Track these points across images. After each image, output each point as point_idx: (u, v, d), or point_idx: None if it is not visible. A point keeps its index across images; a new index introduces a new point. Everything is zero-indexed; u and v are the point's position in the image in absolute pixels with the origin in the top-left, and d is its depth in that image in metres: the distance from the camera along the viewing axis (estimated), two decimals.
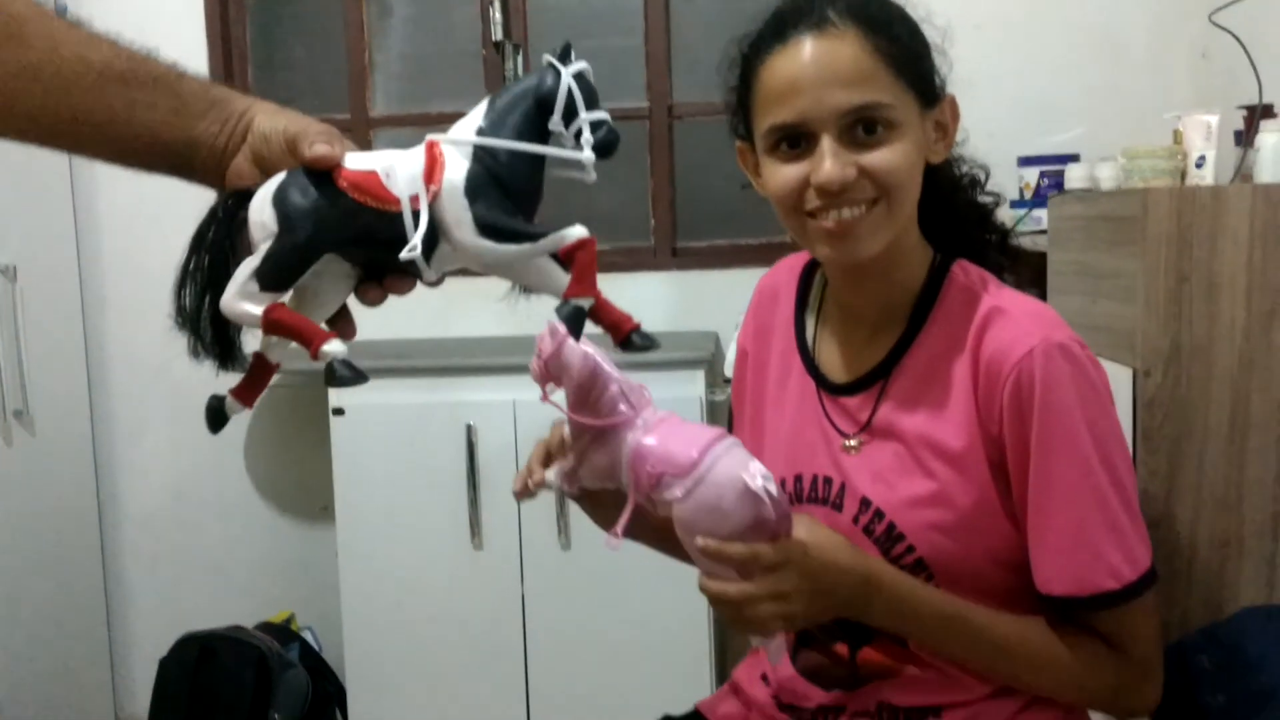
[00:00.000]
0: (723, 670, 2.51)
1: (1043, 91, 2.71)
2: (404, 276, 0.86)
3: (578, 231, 0.82)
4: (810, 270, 1.31)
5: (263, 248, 0.81)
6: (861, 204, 1.09)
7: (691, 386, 2.49)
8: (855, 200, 1.08)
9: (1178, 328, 1.45)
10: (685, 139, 2.98)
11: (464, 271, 0.87)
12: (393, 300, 0.88)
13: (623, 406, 1.06)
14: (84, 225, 2.95)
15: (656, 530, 1.24)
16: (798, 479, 1.22)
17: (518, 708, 2.57)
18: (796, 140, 1.09)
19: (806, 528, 1.09)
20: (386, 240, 0.81)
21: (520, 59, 2.86)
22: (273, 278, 0.81)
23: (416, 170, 0.82)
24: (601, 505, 1.21)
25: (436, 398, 2.54)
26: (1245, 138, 1.89)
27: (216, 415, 0.88)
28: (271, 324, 0.81)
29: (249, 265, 0.81)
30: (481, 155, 0.83)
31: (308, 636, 2.89)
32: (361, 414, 2.54)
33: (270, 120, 0.84)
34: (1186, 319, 1.45)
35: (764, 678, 1.30)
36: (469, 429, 2.51)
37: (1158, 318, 1.45)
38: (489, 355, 2.58)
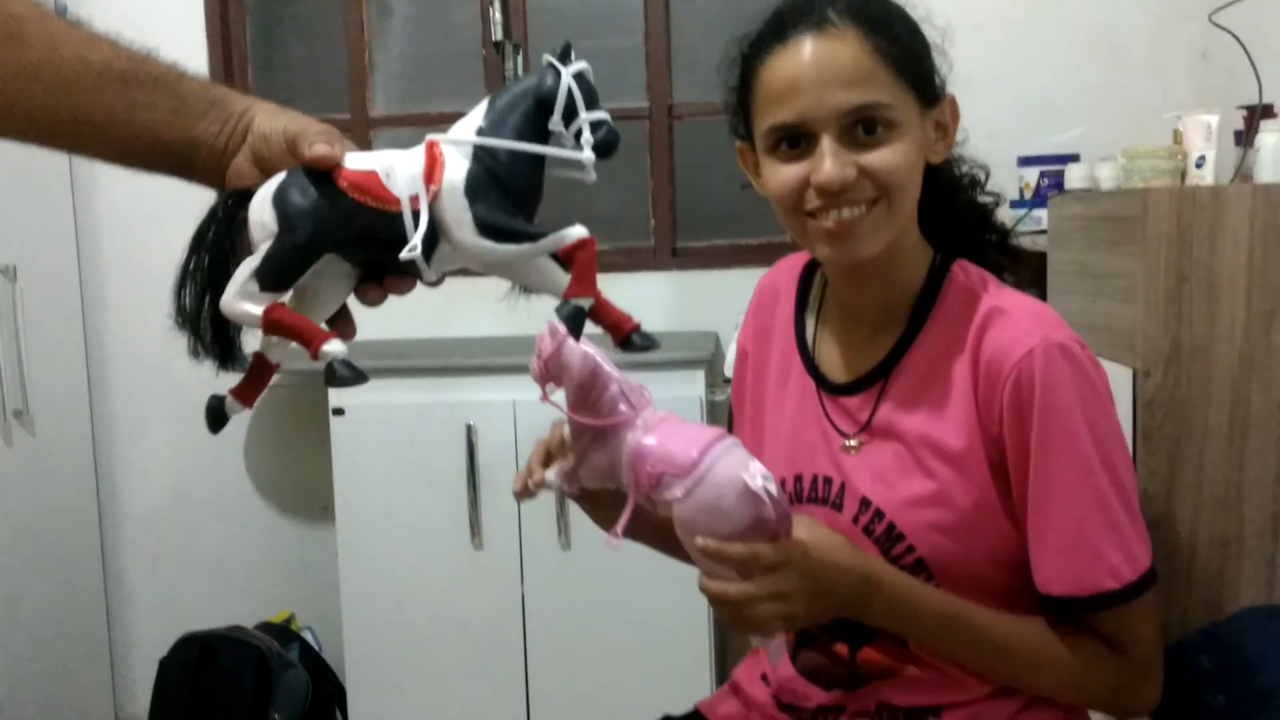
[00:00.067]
0: (723, 670, 2.51)
1: (1043, 91, 2.71)
2: (404, 277, 0.86)
3: (578, 231, 0.82)
4: (810, 270, 1.31)
5: (263, 248, 0.81)
6: (861, 204, 1.09)
7: (691, 386, 2.49)
8: (855, 200, 1.08)
9: (1178, 328, 1.45)
10: (685, 139, 2.98)
11: (464, 271, 0.87)
12: (392, 300, 0.88)
13: (623, 406, 1.06)
14: (84, 225, 2.95)
15: (656, 530, 1.24)
16: (798, 479, 1.22)
17: (518, 707, 2.57)
18: (796, 140, 1.09)
19: (806, 528, 1.09)
20: (386, 240, 0.81)
21: (520, 59, 2.86)
22: (273, 278, 0.81)
23: (416, 170, 0.82)
24: (601, 505, 1.21)
25: (436, 398, 2.54)
26: (1245, 138, 1.89)
27: (216, 415, 0.88)
28: (271, 324, 0.81)
29: (249, 265, 0.81)
30: (481, 155, 0.83)
31: (308, 636, 2.89)
32: (361, 414, 2.54)
33: (270, 120, 0.84)
34: (1186, 319, 1.45)
35: (764, 678, 1.30)
36: (469, 429, 2.51)
37: (1158, 318, 1.45)
38: (489, 355, 2.58)
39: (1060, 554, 1.09)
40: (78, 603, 2.91)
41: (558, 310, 0.83)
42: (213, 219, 0.85)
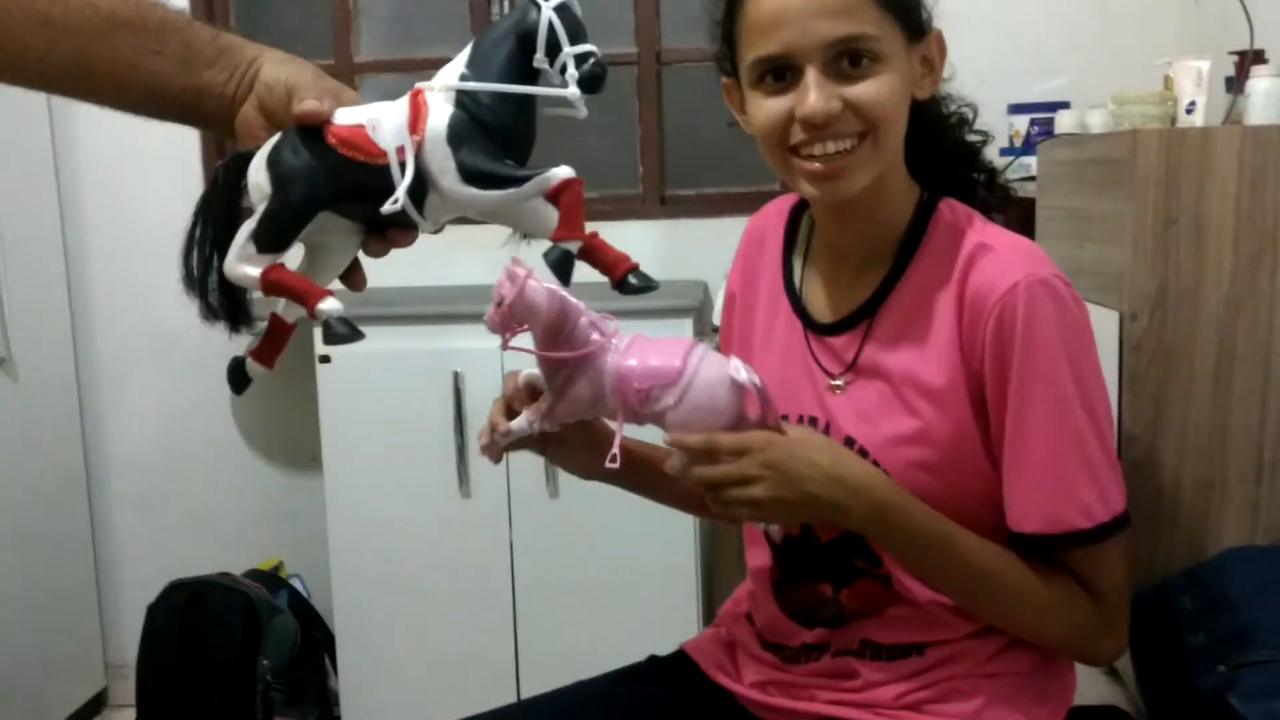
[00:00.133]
0: (710, 613, 2.53)
1: (1033, 39, 2.69)
2: (405, 229, 0.86)
3: (562, 172, 0.80)
4: (798, 212, 1.30)
5: (259, 210, 0.82)
6: (846, 138, 1.08)
7: (680, 334, 2.48)
8: (840, 134, 1.07)
9: (1165, 271, 1.45)
10: (674, 86, 2.96)
11: (461, 220, 0.86)
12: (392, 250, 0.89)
13: (595, 335, 1.06)
14: (64, 170, 2.91)
15: (633, 470, 1.25)
16: (783, 419, 1.21)
17: (506, 653, 2.59)
18: (781, 73, 1.08)
19: (796, 429, 1.10)
20: (376, 194, 0.81)
21: (507, 2, 2.83)
22: (269, 239, 0.82)
23: (402, 121, 0.81)
24: (571, 450, 1.21)
25: (423, 345, 2.53)
26: (1236, 84, 1.88)
27: (239, 377, 0.90)
28: (269, 285, 0.82)
29: (246, 228, 0.82)
30: (465, 100, 0.82)
31: (296, 584, 2.90)
32: (348, 362, 2.53)
33: (275, 70, 0.85)
34: (1174, 262, 1.45)
35: (749, 617, 1.30)
36: (456, 377, 2.50)
37: (1145, 261, 1.45)
38: (476, 303, 2.54)
39: (1033, 490, 1.08)
40: (65, 550, 2.91)
41: (545, 255, 0.82)
42: (215, 184, 0.86)
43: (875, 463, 1.12)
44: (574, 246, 0.82)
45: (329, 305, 0.80)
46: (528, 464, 2.51)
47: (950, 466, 1.11)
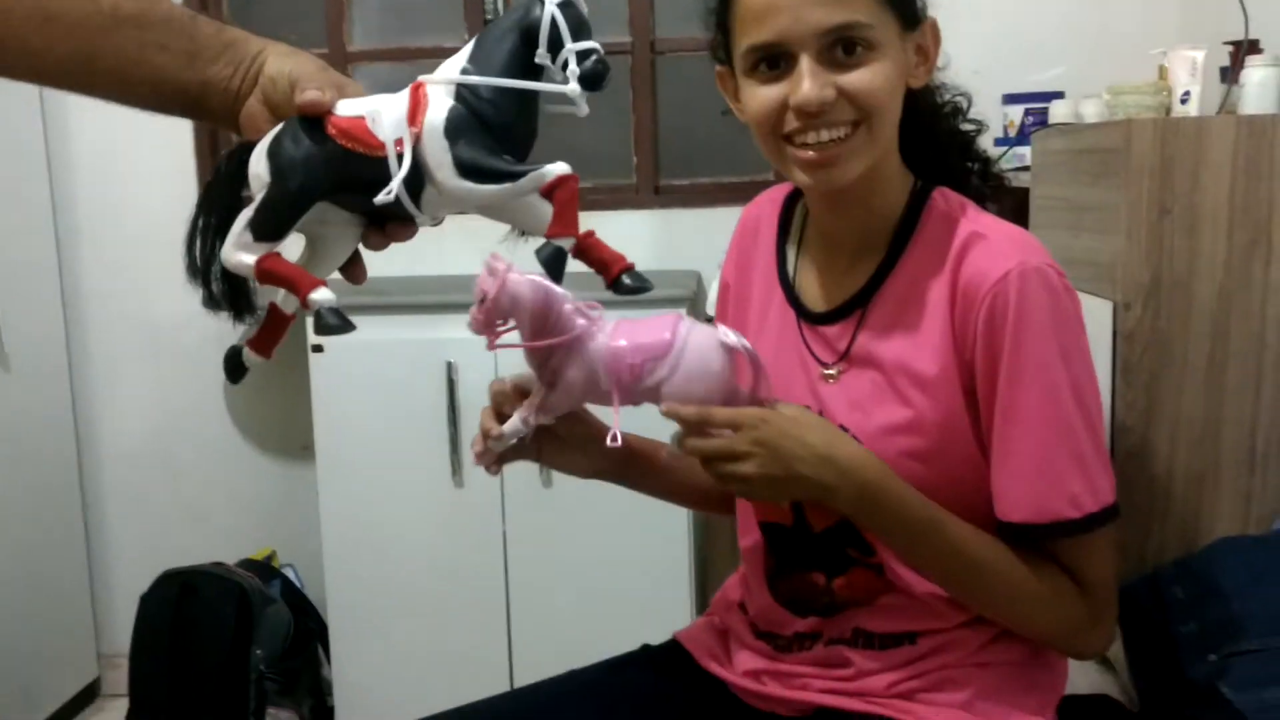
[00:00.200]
0: (703, 602, 2.53)
1: (1028, 29, 2.69)
2: (404, 223, 0.86)
3: (557, 168, 0.80)
4: (792, 200, 1.30)
5: (258, 198, 0.82)
6: (840, 126, 1.08)
7: None
8: (834, 122, 1.07)
9: (1158, 261, 1.45)
10: (668, 75, 2.95)
11: (458, 213, 0.86)
12: None
13: (581, 320, 1.06)
14: (57, 160, 2.90)
15: (631, 462, 1.26)
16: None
17: (499, 642, 2.59)
18: (775, 61, 1.08)
19: (791, 407, 1.10)
20: (373, 185, 0.81)
21: None
22: (266, 227, 0.82)
23: (402, 113, 0.82)
24: (567, 448, 1.21)
25: (417, 335, 2.52)
26: (1231, 74, 1.87)
27: (235, 366, 0.90)
28: (264, 273, 0.82)
29: (244, 216, 0.83)
30: (465, 94, 0.82)
31: (289, 574, 2.89)
32: (341, 352, 2.53)
33: (279, 63, 0.85)
34: (1168, 252, 1.45)
35: (741, 606, 1.30)
36: (449, 366, 2.50)
37: (1139, 250, 1.45)
38: (469, 293, 2.54)
39: (1022, 479, 1.08)
40: (58, 540, 2.90)
41: (537, 253, 0.82)
42: (218, 174, 0.87)
43: None
44: (567, 244, 0.81)
45: (321, 295, 0.80)
46: None
47: (942, 456, 1.11)
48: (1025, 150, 2.23)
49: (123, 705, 2.69)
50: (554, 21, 0.81)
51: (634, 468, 1.28)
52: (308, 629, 2.77)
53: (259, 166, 0.82)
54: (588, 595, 2.55)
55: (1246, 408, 1.47)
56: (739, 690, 1.26)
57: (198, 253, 0.86)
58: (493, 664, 2.59)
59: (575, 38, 0.81)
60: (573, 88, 0.81)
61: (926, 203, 1.16)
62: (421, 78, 0.83)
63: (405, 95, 0.82)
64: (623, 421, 1.08)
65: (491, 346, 1.06)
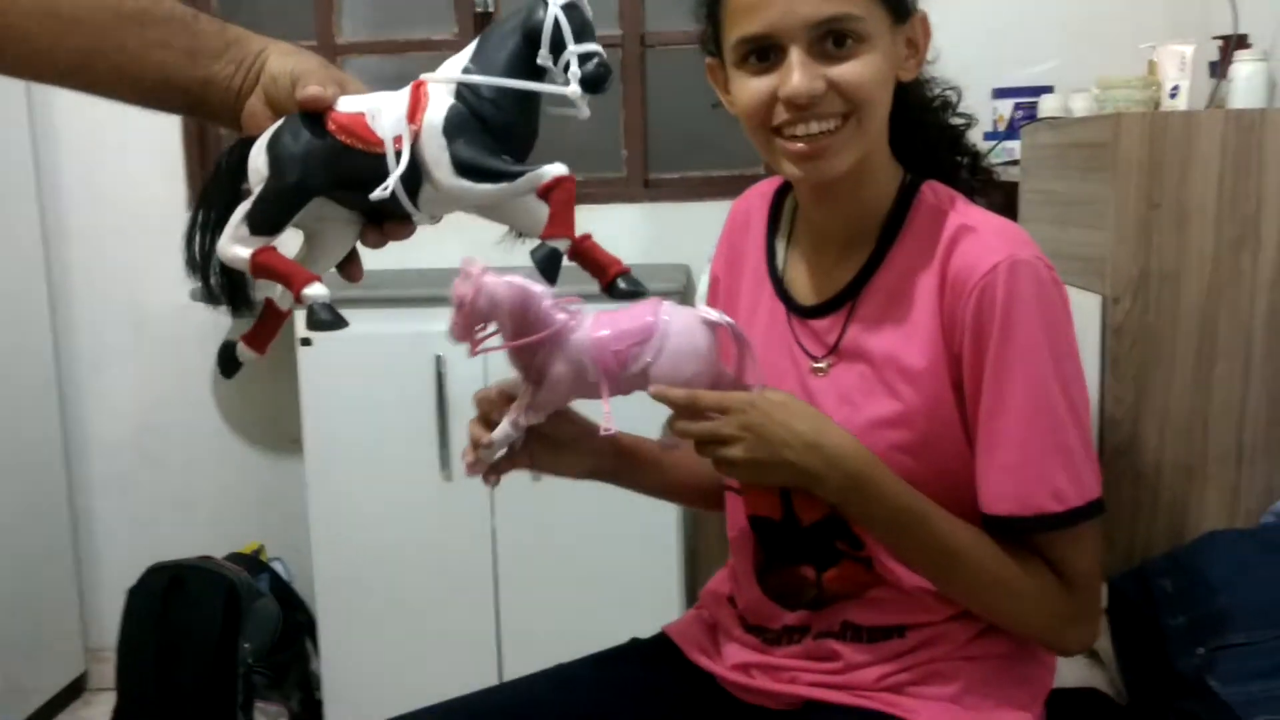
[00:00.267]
0: (692, 596, 2.53)
1: (1017, 23, 2.69)
2: (402, 220, 0.86)
3: (554, 169, 0.80)
4: (781, 194, 1.30)
5: (255, 192, 0.83)
6: (830, 119, 1.07)
7: None
8: (824, 115, 1.07)
9: (1147, 255, 1.45)
10: (658, 69, 2.94)
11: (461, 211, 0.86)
12: None
13: (561, 315, 1.06)
14: (43, 151, 2.89)
15: (623, 459, 1.26)
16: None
17: (488, 635, 2.59)
18: (765, 53, 1.08)
19: (780, 393, 1.10)
20: (371, 182, 0.81)
21: None
22: (262, 221, 0.82)
23: (402, 111, 0.82)
24: (559, 449, 1.20)
25: (405, 328, 2.52)
26: (1220, 68, 1.88)
27: (229, 361, 0.90)
28: (258, 266, 0.82)
29: (241, 210, 0.83)
30: (465, 93, 0.82)
31: (277, 567, 2.89)
32: (329, 345, 2.51)
33: (281, 61, 0.85)
34: (1156, 246, 1.45)
35: (730, 599, 1.30)
36: (438, 360, 2.49)
37: (1127, 244, 1.46)
38: None
39: (1006, 471, 1.08)
40: (44, 534, 2.89)
41: (532, 253, 0.81)
42: (219, 168, 0.87)
43: None
44: (562, 245, 0.81)
45: (314, 290, 0.80)
46: None
47: (931, 449, 1.11)
48: (1015, 144, 2.23)
49: (110, 699, 2.68)
50: (557, 23, 0.81)
51: (626, 464, 1.28)
52: (296, 623, 2.76)
53: (258, 161, 0.83)
54: (576, 588, 2.55)
55: (1234, 401, 1.47)
56: (728, 683, 1.26)
57: (197, 247, 0.87)
58: (481, 658, 2.58)
59: (578, 40, 0.81)
60: (574, 90, 0.81)
61: (916, 196, 1.16)
62: (423, 76, 0.83)
63: (406, 93, 0.83)
64: (613, 422, 1.08)
65: (474, 352, 1.06)
